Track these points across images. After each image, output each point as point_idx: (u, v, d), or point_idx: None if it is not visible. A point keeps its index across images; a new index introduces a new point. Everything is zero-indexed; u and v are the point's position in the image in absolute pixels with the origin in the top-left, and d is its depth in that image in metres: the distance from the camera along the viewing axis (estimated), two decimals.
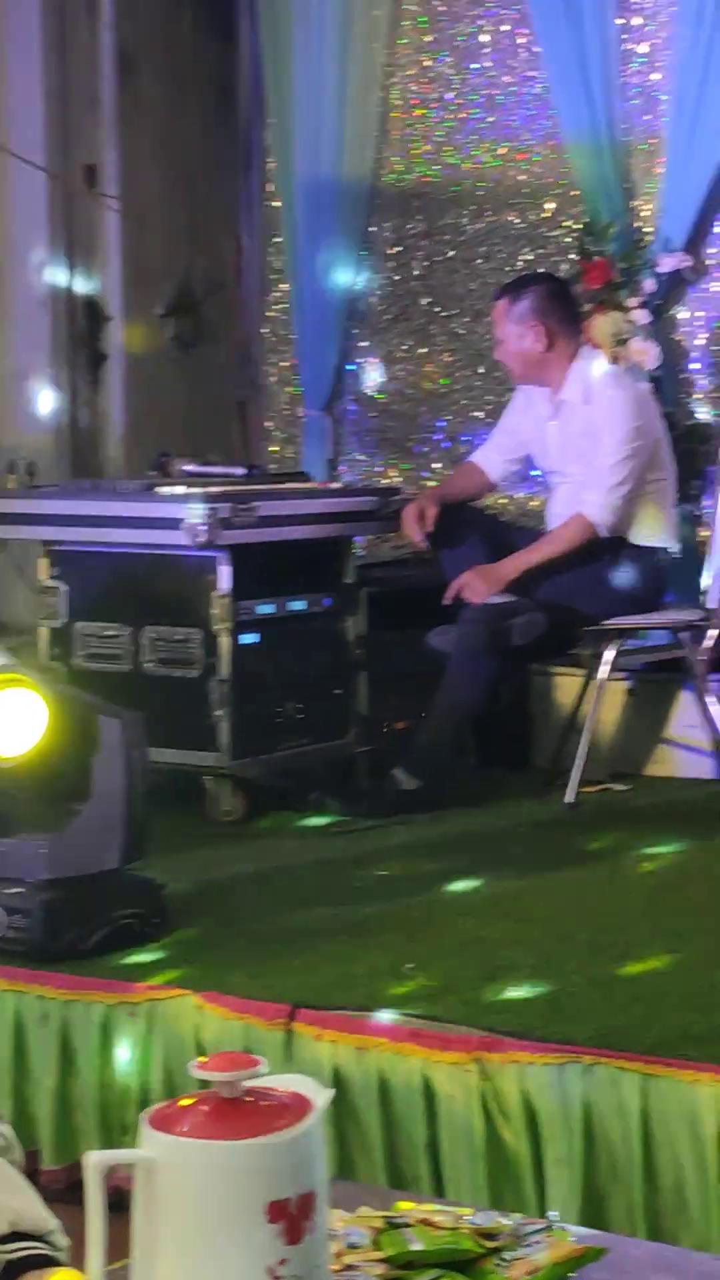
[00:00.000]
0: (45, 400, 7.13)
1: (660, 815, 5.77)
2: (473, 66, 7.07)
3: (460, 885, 4.94)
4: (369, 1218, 1.95)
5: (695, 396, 6.74)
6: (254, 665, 5.79)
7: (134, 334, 7.38)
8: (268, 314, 7.60)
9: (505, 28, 6.98)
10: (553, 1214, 2.17)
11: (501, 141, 7.03)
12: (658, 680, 6.35)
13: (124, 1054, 4.08)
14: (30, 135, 7.03)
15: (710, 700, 6.00)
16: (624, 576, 5.94)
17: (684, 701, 6.27)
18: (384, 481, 7.14)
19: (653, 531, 5.99)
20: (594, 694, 5.89)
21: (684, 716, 6.27)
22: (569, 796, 5.77)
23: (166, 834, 4.86)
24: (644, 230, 6.71)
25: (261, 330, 7.63)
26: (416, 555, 6.37)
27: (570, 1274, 1.87)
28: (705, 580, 6.04)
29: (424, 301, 7.25)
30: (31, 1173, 1.98)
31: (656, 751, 6.33)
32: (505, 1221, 1.95)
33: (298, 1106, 1.60)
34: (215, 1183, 1.55)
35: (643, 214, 6.73)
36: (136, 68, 7.30)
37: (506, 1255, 1.88)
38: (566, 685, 6.34)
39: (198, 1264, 1.55)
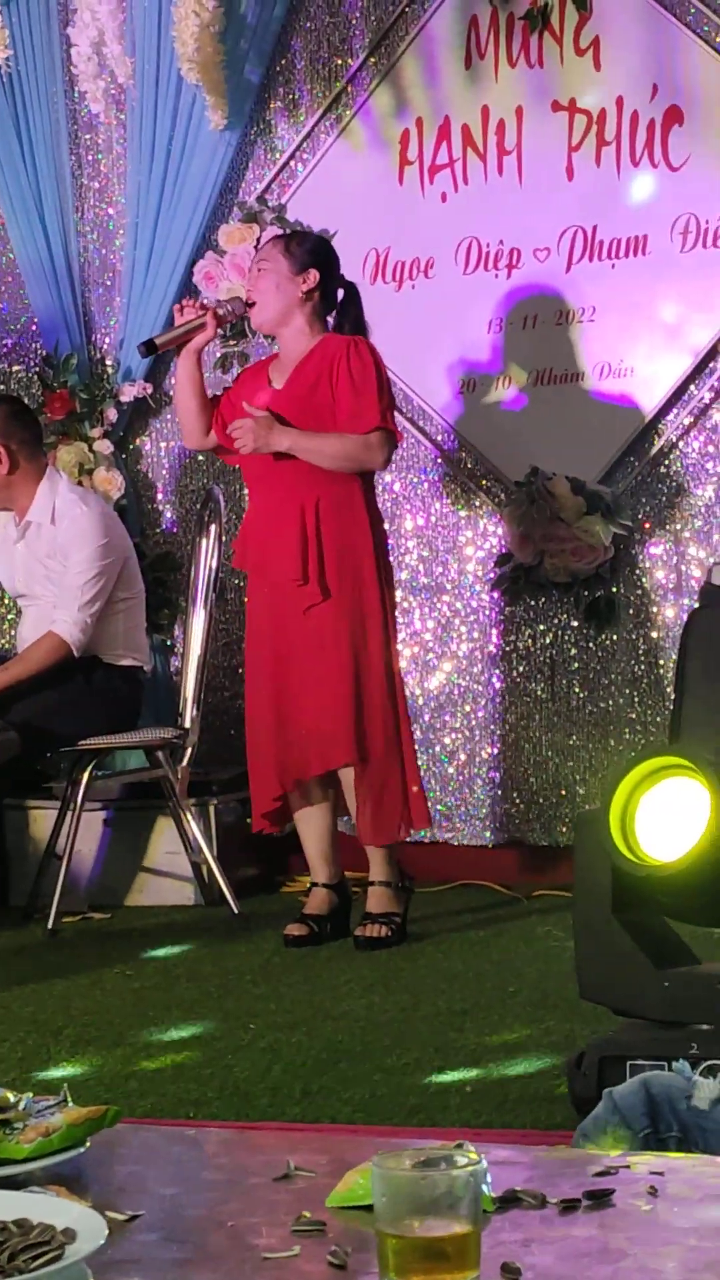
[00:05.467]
0: None
1: (141, 936, 5.66)
2: None
3: None
4: None
5: (160, 528, 6.73)
6: None
7: None
8: None
9: None
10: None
11: None
12: (136, 808, 6.26)
13: None
14: None
15: (189, 821, 5.93)
16: (99, 696, 5.83)
17: (162, 829, 6.19)
18: None
19: (126, 650, 5.91)
20: (71, 821, 5.74)
21: (164, 844, 6.19)
22: (50, 924, 5.61)
23: None
24: (105, 362, 6.70)
25: None
26: None
27: (87, 1135, 1.76)
28: (181, 701, 6.00)
29: None
30: None
31: (137, 880, 6.22)
32: (13, 1098, 1.82)
33: None
34: None
35: (103, 346, 6.72)
36: None
37: (17, 1125, 1.76)
38: (42, 819, 6.20)
39: None
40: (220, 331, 5.90)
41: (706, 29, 6.05)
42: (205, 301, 5.67)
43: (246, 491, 5.75)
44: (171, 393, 6.60)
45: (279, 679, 5.42)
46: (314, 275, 5.45)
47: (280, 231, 6.04)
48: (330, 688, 5.36)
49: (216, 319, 5.53)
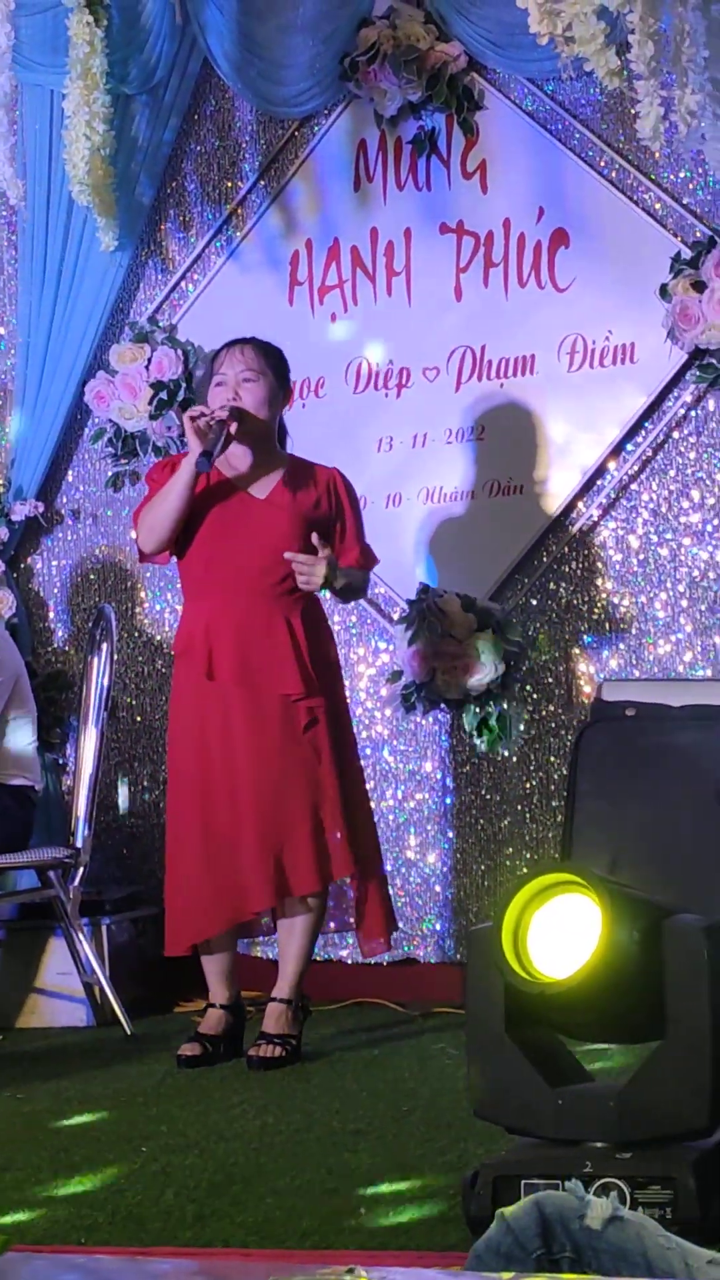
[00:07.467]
0: None
1: (33, 1058, 5.59)
2: None
3: None
4: None
5: (51, 646, 6.70)
6: None
7: None
8: None
9: None
10: None
11: None
12: (27, 928, 6.21)
13: None
14: None
15: (81, 941, 5.88)
16: None
17: (54, 949, 6.14)
18: None
19: (17, 769, 5.87)
20: None
21: (55, 964, 6.13)
22: None
23: None
24: None
25: None
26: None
27: None
28: (73, 821, 5.96)
29: None
30: None
31: (29, 1002, 6.15)
32: None
33: None
34: None
35: None
36: None
37: None
38: None
39: None
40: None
41: (591, 153, 6.15)
42: (218, 410, 5.49)
43: (184, 600, 5.60)
44: (103, 496, 6.61)
45: (263, 793, 5.37)
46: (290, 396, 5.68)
47: (244, 338, 5.81)
48: (326, 800, 5.39)
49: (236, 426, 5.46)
